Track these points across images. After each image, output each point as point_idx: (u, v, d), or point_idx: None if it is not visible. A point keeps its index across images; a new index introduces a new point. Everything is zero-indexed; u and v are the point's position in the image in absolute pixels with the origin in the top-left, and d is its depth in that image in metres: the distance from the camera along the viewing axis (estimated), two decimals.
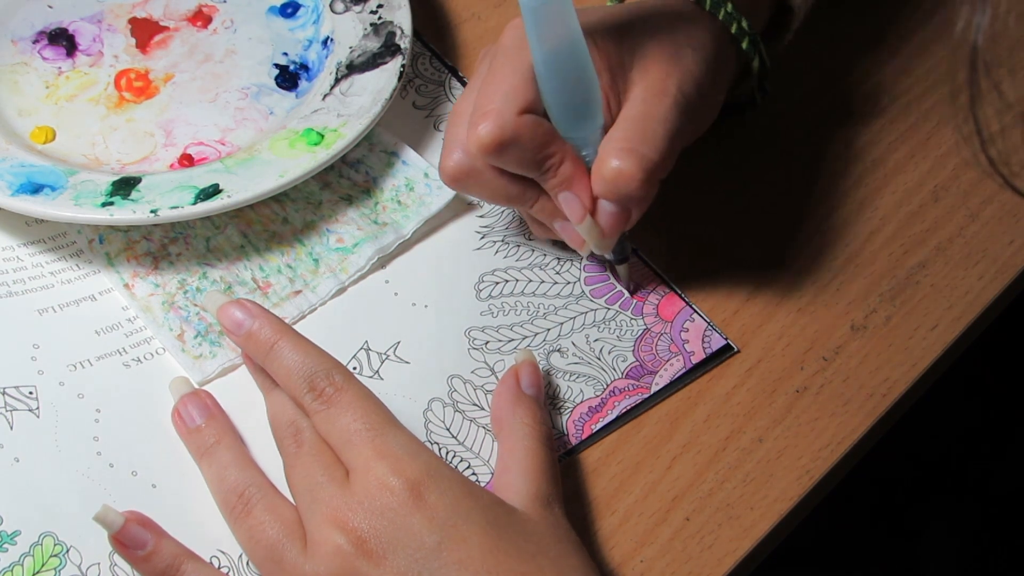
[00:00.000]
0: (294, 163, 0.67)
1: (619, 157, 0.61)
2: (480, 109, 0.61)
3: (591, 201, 0.63)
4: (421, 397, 0.64)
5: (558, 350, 0.66)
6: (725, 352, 0.67)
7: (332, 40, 0.74)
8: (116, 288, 0.66)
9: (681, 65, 0.63)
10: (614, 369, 0.66)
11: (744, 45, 0.67)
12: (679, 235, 0.70)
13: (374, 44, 0.73)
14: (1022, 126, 0.48)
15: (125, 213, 0.65)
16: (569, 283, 0.68)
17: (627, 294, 0.68)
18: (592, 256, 0.68)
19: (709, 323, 0.67)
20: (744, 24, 0.66)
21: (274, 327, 0.61)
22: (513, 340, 0.66)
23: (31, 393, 0.63)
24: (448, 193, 0.70)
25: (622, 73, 0.63)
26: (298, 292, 0.67)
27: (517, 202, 0.64)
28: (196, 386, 0.64)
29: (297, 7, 0.76)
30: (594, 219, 0.63)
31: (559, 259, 0.69)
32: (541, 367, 0.65)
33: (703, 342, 0.67)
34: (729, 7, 0.66)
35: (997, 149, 0.48)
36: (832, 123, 0.75)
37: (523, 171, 0.62)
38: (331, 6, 0.75)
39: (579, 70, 0.61)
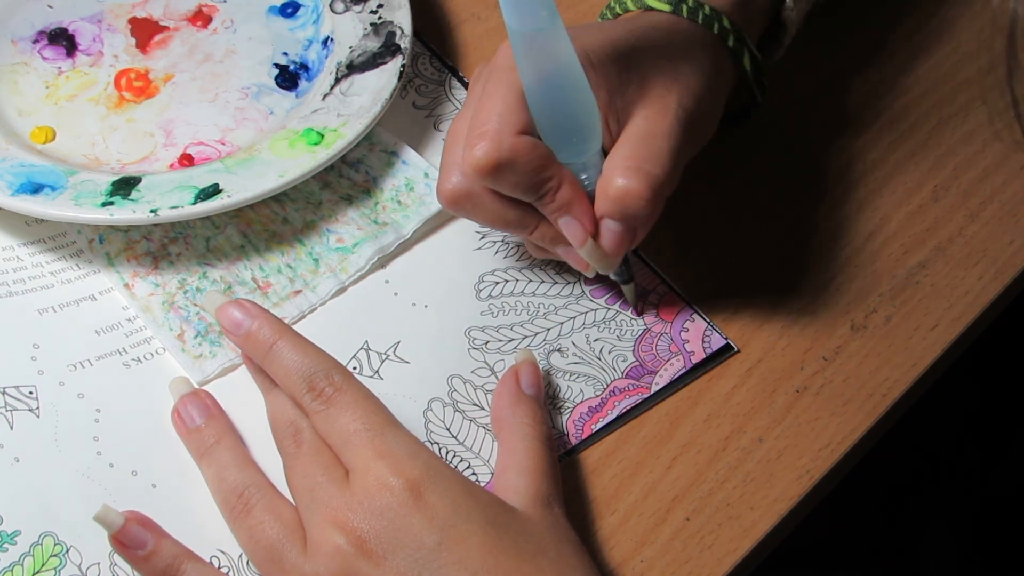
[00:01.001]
0: (294, 163, 0.67)
1: (625, 176, 0.61)
2: (476, 130, 0.61)
3: (592, 224, 0.62)
4: (421, 397, 0.64)
5: (558, 350, 0.66)
6: (725, 352, 0.67)
7: (332, 40, 0.74)
8: (116, 288, 0.66)
9: (680, 81, 0.63)
10: (614, 369, 0.66)
11: (730, 43, 0.66)
12: (679, 235, 0.70)
13: (374, 44, 0.73)
14: None
15: (125, 213, 0.65)
16: (569, 283, 0.68)
17: (635, 315, 0.67)
18: (597, 277, 0.68)
19: (709, 323, 0.67)
20: (726, 23, 0.66)
21: (273, 327, 0.61)
22: (513, 340, 0.66)
23: (31, 393, 0.63)
24: None
25: (621, 92, 0.62)
26: (298, 292, 0.67)
27: (517, 228, 0.63)
28: (196, 386, 0.64)
29: (297, 7, 0.76)
30: (596, 242, 0.62)
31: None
32: (541, 367, 0.65)
33: (703, 342, 0.67)
34: (725, 21, 0.66)
35: None
36: (832, 123, 0.75)
37: (520, 195, 0.62)
38: (331, 6, 0.75)
39: (576, 94, 0.60)
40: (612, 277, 0.66)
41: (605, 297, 0.68)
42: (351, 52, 0.73)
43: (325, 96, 0.71)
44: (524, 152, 0.60)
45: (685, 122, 0.63)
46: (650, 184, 0.61)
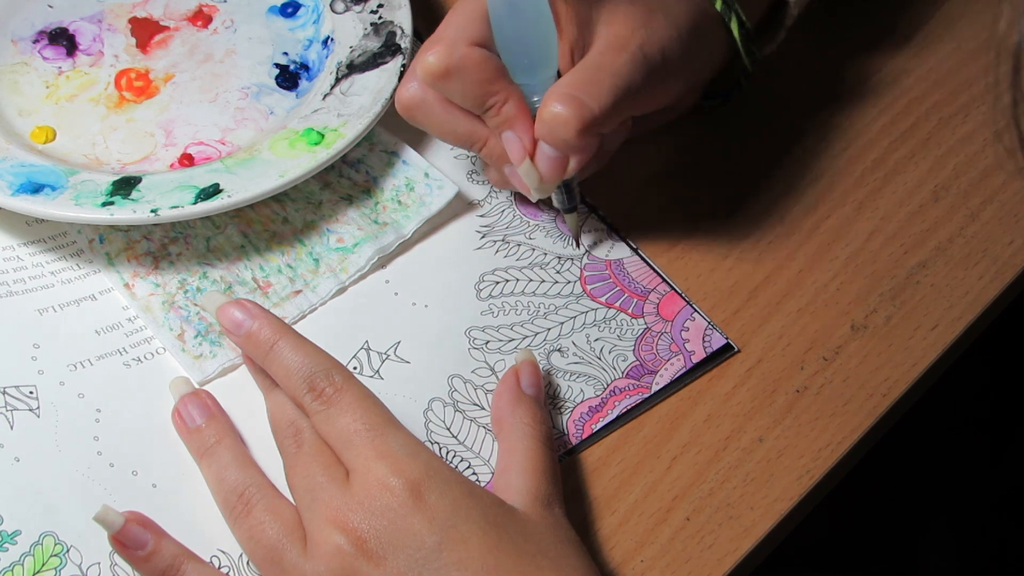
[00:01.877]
0: (294, 163, 0.67)
1: (560, 102, 0.62)
2: (432, 39, 0.63)
3: (532, 144, 0.64)
4: (421, 397, 0.64)
5: (558, 350, 0.66)
6: (726, 351, 0.67)
7: (332, 40, 0.74)
8: (116, 288, 0.66)
9: (649, 27, 0.64)
10: (614, 369, 0.66)
11: (718, 6, 0.66)
12: (679, 235, 0.70)
13: (374, 44, 0.73)
14: None
15: (125, 213, 0.65)
16: (569, 283, 0.68)
17: (577, 246, 0.69)
18: (547, 205, 0.69)
19: (709, 322, 0.67)
20: None
21: (273, 327, 0.61)
22: (513, 340, 0.66)
23: (31, 393, 0.63)
24: (448, 193, 0.70)
25: (589, 29, 0.64)
26: (298, 292, 0.67)
27: (466, 142, 0.65)
28: (196, 386, 0.64)
29: (297, 7, 0.76)
30: (533, 163, 0.64)
31: (559, 259, 0.69)
32: (541, 367, 0.65)
33: (703, 341, 0.67)
34: None
35: None
36: (832, 123, 0.75)
37: (467, 105, 0.63)
38: (331, 6, 0.75)
39: (536, 20, 0.62)
40: (555, 205, 0.67)
41: (605, 297, 0.68)
42: (351, 52, 0.73)
43: (325, 96, 0.71)
44: (474, 62, 0.62)
45: (641, 66, 0.63)
46: (581, 115, 0.61)
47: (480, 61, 0.62)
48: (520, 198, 0.71)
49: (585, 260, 0.69)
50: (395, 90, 0.70)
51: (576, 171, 0.64)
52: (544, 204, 0.71)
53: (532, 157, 0.64)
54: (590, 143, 0.63)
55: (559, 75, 0.64)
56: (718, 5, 0.66)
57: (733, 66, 0.70)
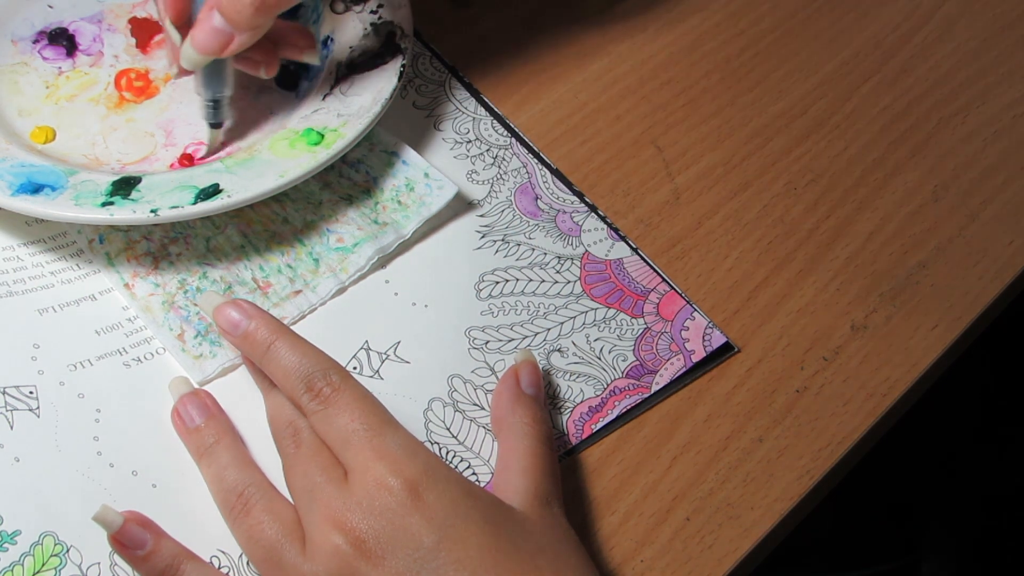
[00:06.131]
0: (294, 163, 0.67)
1: None
2: None
3: (187, 7, 0.65)
4: (421, 397, 0.64)
5: (558, 350, 0.66)
6: (726, 351, 0.67)
7: (332, 40, 0.74)
8: (116, 288, 0.66)
9: None
10: (614, 368, 0.66)
11: None
12: (679, 235, 0.70)
13: (374, 44, 0.73)
14: None
15: (125, 213, 0.65)
16: (569, 283, 0.68)
17: (207, 157, 0.69)
18: (545, 206, 0.69)
19: (710, 321, 0.67)
20: None
21: (271, 327, 0.61)
22: (513, 340, 0.66)
23: (31, 393, 0.63)
24: (448, 193, 0.70)
25: None
26: (298, 292, 0.67)
27: None
28: (196, 386, 0.64)
29: (297, 7, 0.76)
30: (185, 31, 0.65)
31: (559, 259, 0.69)
32: (541, 367, 0.65)
33: (703, 340, 0.67)
34: None
35: None
36: (832, 123, 0.75)
37: None
38: (331, 6, 0.75)
39: None
40: (203, 118, 0.68)
41: (605, 297, 0.68)
42: (351, 52, 0.73)
43: (325, 96, 0.71)
44: None
45: None
46: None
47: None
48: (519, 197, 0.71)
49: (611, 246, 0.69)
50: (394, 90, 0.70)
51: (235, 50, 0.65)
52: (544, 204, 0.70)
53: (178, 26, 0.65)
54: (259, 24, 0.64)
55: None
56: None
57: None
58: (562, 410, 0.64)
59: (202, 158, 0.68)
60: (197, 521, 0.60)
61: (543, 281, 0.68)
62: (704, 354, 0.66)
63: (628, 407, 0.65)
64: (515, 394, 0.62)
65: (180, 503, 0.60)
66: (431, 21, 0.78)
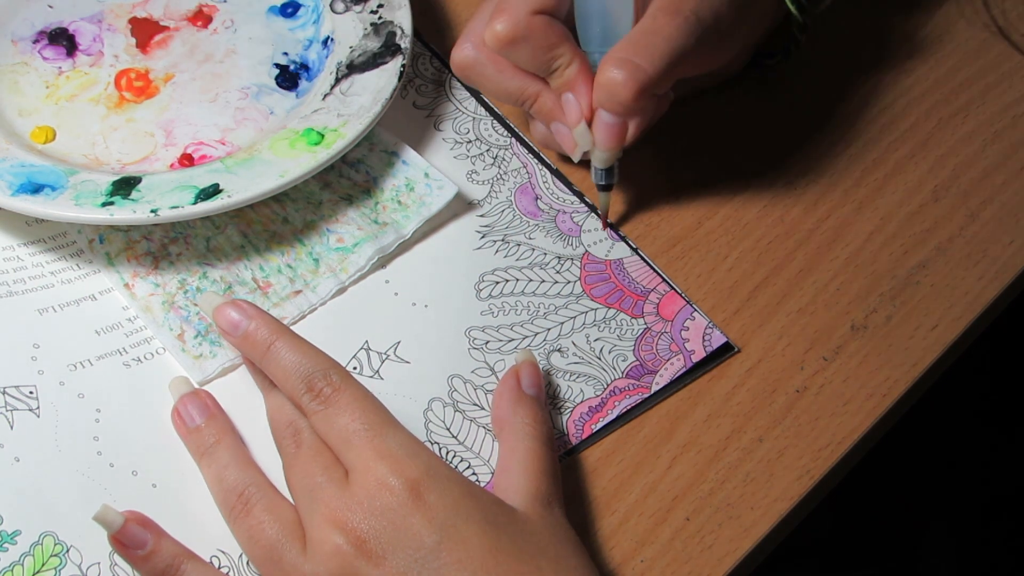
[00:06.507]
0: (294, 163, 0.67)
1: (616, 66, 0.64)
2: (498, 7, 0.66)
3: (589, 108, 0.66)
4: (421, 397, 0.64)
5: (558, 350, 0.66)
6: (726, 351, 0.67)
7: (332, 40, 0.74)
8: (116, 288, 0.66)
9: None
10: (614, 369, 0.66)
11: None
12: (679, 234, 0.70)
13: (374, 44, 0.73)
14: None
15: (125, 213, 0.65)
16: (569, 283, 0.68)
17: (604, 227, 0.70)
18: (545, 205, 0.69)
19: (709, 321, 0.67)
20: None
21: (271, 328, 0.61)
22: (513, 340, 0.66)
23: (31, 393, 0.63)
24: (448, 193, 0.70)
25: None
26: (298, 292, 0.67)
27: (517, 99, 0.68)
28: (196, 386, 0.64)
29: (297, 7, 0.76)
30: (589, 127, 0.66)
31: (559, 259, 0.69)
32: (541, 367, 0.65)
33: (704, 340, 0.67)
34: None
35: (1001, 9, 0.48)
36: (832, 123, 0.75)
37: (532, 68, 0.67)
38: (331, 6, 0.75)
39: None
40: (593, 180, 0.69)
41: (605, 297, 0.68)
42: (351, 52, 0.73)
43: (325, 96, 0.71)
44: (539, 29, 0.65)
45: (695, 29, 0.65)
46: (636, 78, 0.63)
47: (544, 27, 0.65)
48: (519, 197, 0.71)
49: (611, 246, 0.69)
50: (394, 90, 0.70)
51: (636, 137, 0.66)
52: (544, 204, 0.71)
53: (589, 122, 0.66)
54: (646, 106, 0.65)
55: None
56: None
57: (785, 27, 0.71)
58: (562, 410, 0.64)
59: (606, 224, 0.70)
60: (197, 521, 0.60)
61: (543, 281, 0.68)
62: (704, 354, 0.66)
63: (628, 407, 0.65)
64: (516, 395, 0.62)
65: (180, 503, 0.60)
66: (431, 21, 0.78)
